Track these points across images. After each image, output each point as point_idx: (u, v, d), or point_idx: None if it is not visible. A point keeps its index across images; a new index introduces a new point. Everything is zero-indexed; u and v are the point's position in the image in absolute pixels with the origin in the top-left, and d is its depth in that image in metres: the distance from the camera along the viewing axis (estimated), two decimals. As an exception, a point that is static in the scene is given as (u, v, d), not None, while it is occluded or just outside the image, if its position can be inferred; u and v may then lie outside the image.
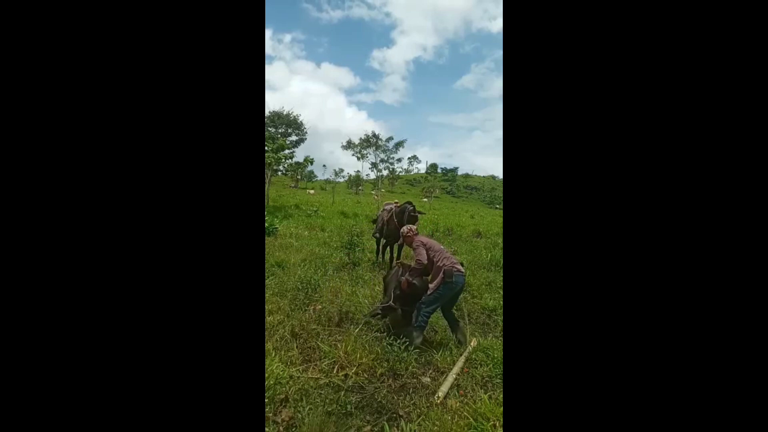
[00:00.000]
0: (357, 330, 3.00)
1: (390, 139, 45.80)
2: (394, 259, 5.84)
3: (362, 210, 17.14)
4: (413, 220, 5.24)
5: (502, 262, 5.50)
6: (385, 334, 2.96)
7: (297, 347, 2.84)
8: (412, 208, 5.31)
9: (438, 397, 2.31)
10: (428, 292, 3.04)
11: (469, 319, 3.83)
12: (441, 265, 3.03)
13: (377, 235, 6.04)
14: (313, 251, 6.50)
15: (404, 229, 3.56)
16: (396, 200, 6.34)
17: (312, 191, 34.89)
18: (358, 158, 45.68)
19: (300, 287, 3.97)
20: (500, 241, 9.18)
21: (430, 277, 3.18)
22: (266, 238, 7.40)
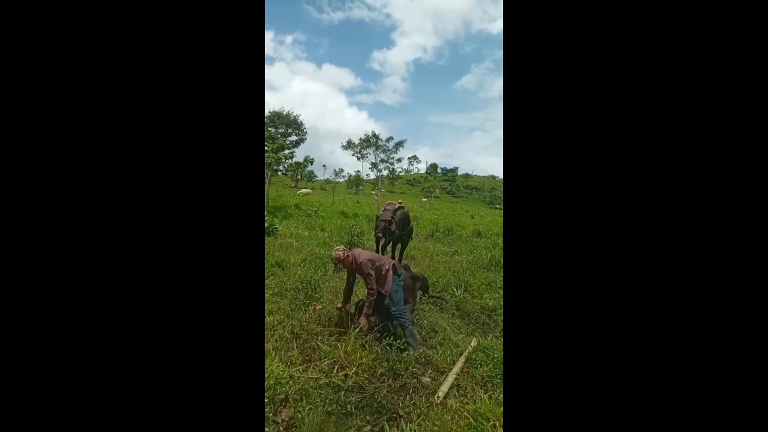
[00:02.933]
0: (357, 330, 3.00)
1: (390, 139, 45.95)
2: (396, 259, 5.84)
3: (362, 210, 17.12)
4: (403, 218, 5.20)
5: (502, 262, 5.49)
6: (385, 334, 2.96)
7: (297, 347, 2.84)
8: (401, 206, 5.27)
9: (438, 397, 2.31)
10: (388, 293, 3.08)
11: (469, 319, 3.83)
12: (387, 267, 3.16)
13: (379, 234, 6.05)
14: (313, 251, 6.49)
15: (336, 255, 3.03)
16: (399, 200, 6.33)
17: (306, 190, 31.77)
18: (358, 158, 45.80)
19: (300, 287, 3.96)
20: (500, 241, 9.17)
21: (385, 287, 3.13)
22: (266, 238, 7.40)
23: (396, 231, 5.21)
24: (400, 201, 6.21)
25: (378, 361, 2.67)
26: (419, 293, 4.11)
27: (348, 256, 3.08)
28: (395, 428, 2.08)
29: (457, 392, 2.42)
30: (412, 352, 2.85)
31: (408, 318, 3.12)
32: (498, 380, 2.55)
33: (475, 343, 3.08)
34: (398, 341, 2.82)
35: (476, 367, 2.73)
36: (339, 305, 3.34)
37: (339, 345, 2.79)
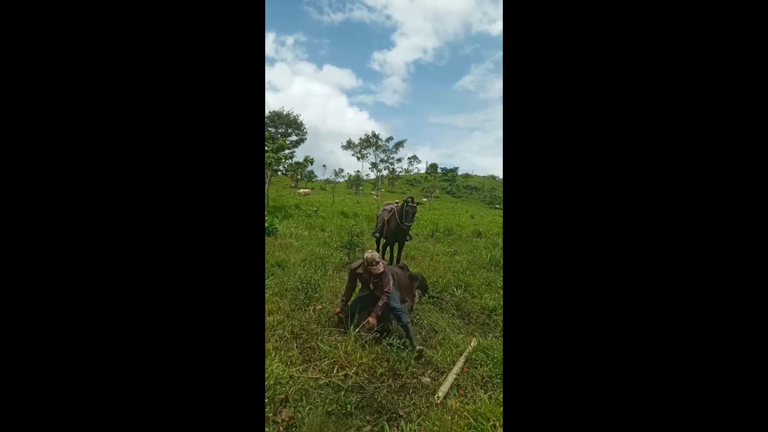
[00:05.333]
0: (357, 330, 3.00)
1: (390, 139, 45.82)
2: (394, 259, 5.84)
3: (362, 210, 17.12)
4: (412, 211, 5.25)
5: (502, 262, 5.49)
6: (385, 334, 2.97)
7: (297, 347, 2.84)
8: (410, 199, 5.35)
9: (438, 397, 2.31)
10: (387, 295, 3.13)
11: (469, 319, 3.83)
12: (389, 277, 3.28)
13: (377, 234, 6.04)
14: (313, 251, 6.49)
15: (373, 257, 3.25)
16: (396, 200, 6.33)
17: (305, 190, 30.65)
18: (358, 158, 45.71)
19: (300, 287, 3.96)
20: (500, 241, 9.17)
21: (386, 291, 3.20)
22: (266, 238, 7.39)
23: (404, 222, 5.25)
24: (396, 201, 6.21)
25: (378, 361, 2.67)
26: (418, 292, 4.11)
27: (380, 263, 3.28)
28: (395, 428, 2.08)
29: (457, 392, 2.42)
30: (418, 347, 2.89)
31: (406, 317, 3.16)
32: (498, 380, 2.55)
33: (475, 343, 3.09)
34: (398, 341, 2.82)
35: (476, 367, 2.74)
36: (337, 310, 3.34)
37: (339, 345, 2.80)
